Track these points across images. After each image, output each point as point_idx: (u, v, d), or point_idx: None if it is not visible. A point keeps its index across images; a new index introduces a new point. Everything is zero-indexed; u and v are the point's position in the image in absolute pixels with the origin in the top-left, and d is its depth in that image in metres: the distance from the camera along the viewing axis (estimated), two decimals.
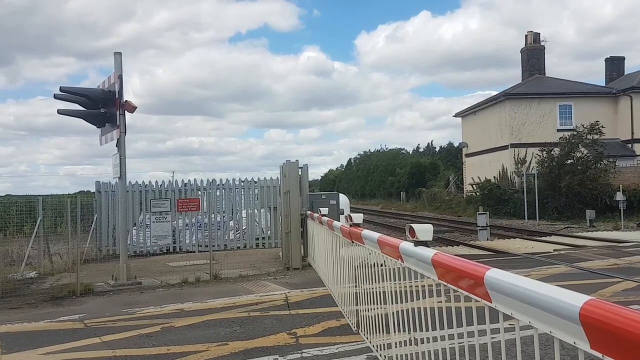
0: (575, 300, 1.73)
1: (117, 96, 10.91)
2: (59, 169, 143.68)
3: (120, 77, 10.97)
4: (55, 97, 11.18)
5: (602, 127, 27.36)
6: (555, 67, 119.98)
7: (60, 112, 11.56)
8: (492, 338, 2.61)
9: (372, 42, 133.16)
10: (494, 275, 2.33)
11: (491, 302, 2.38)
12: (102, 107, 11.29)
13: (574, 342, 1.75)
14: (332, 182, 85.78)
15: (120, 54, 11.17)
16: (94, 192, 16.87)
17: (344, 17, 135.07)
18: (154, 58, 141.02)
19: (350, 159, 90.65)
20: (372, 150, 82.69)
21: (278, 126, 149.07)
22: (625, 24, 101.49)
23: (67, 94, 11.27)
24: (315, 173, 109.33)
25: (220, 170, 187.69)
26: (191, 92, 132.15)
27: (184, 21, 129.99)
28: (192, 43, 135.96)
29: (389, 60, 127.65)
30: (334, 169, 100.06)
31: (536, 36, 38.76)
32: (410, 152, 75.22)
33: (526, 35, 39.11)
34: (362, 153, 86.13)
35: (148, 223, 15.75)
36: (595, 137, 27.17)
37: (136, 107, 11.10)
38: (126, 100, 10.95)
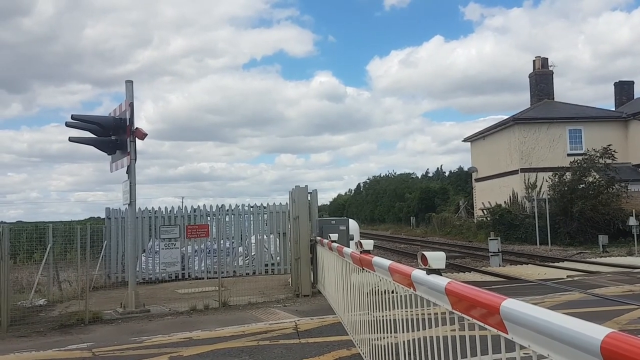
0: (596, 333, 1.67)
1: (128, 123, 11.01)
2: (71, 195, 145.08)
3: (131, 105, 11.08)
4: (67, 125, 11.27)
5: (614, 151, 27.21)
6: (570, 91, 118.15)
7: (71, 139, 11.65)
8: None
9: (385, 67, 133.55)
10: (511, 305, 2.26)
11: (507, 334, 2.31)
12: (113, 135, 11.39)
13: None
14: (342, 206, 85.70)
15: (131, 82, 11.30)
16: (104, 219, 16.92)
17: (357, 43, 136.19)
18: (168, 84, 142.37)
19: (359, 183, 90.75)
20: (381, 175, 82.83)
21: (289, 151, 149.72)
22: (638, 47, 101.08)
23: (79, 121, 11.38)
24: (325, 198, 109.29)
25: (231, 195, 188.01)
26: (204, 118, 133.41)
27: (200, 48, 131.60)
28: (207, 69, 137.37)
29: (402, 84, 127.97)
30: (343, 193, 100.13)
31: (544, 61, 38.96)
32: (420, 177, 75.23)
33: (534, 60, 39.30)
34: (371, 178, 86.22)
35: (157, 249, 15.74)
36: (608, 161, 27.01)
37: (147, 134, 11.19)
38: (137, 128, 11.04)
